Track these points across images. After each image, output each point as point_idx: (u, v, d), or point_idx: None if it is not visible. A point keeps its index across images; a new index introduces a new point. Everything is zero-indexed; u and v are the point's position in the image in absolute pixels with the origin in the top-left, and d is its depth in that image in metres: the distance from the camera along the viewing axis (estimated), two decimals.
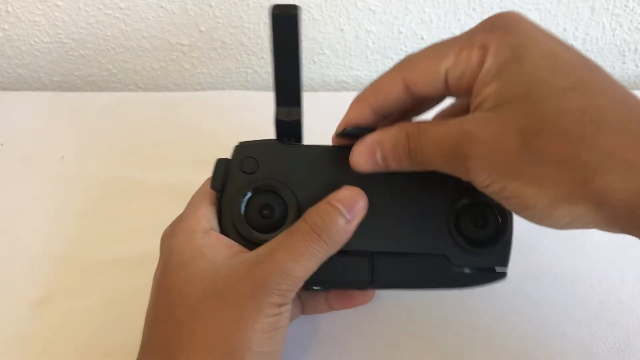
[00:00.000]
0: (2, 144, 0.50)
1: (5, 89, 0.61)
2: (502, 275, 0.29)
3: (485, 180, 0.24)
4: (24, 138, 0.51)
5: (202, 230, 0.29)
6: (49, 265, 0.41)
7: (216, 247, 0.28)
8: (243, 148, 0.30)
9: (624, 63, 0.58)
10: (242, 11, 0.54)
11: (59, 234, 0.43)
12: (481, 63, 0.25)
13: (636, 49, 0.56)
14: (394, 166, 0.28)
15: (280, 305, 0.27)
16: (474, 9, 0.53)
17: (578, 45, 0.56)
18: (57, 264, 0.41)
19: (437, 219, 0.29)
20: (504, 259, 0.29)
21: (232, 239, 0.29)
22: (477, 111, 0.25)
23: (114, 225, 0.43)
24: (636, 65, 0.58)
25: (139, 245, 0.40)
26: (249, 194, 0.30)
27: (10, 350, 0.36)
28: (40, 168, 0.48)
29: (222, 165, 0.30)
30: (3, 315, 0.38)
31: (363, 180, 0.29)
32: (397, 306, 0.37)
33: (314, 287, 0.31)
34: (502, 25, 0.26)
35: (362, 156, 0.28)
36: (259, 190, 0.30)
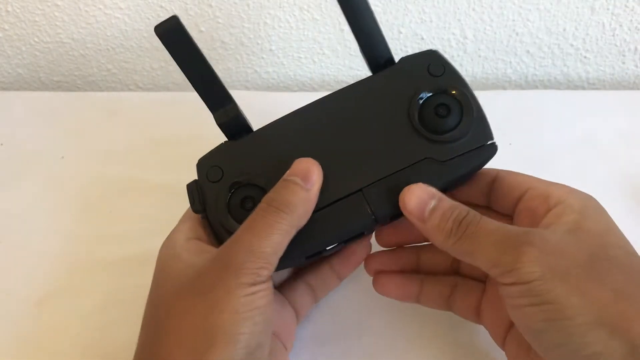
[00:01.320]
0: (2, 144, 0.50)
1: (5, 89, 0.61)
2: (493, 147, 0.31)
3: (535, 273, 0.24)
4: (24, 138, 0.51)
5: (184, 239, 0.30)
6: (49, 265, 0.41)
7: (193, 250, 0.29)
8: (202, 162, 0.32)
9: (623, 63, 0.58)
10: (242, 11, 0.54)
11: (59, 234, 0.43)
12: (560, 198, 0.28)
13: (636, 49, 0.56)
14: (431, 229, 0.28)
15: (252, 285, 0.26)
16: (474, 9, 0.53)
17: (578, 45, 0.56)
18: (57, 264, 0.41)
19: (403, 131, 0.30)
20: (486, 132, 0.30)
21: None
22: (552, 228, 0.27)
23: (114, 225, 0.43)
24: (636, 66, 0.58)
25: (139, 245, 0.40)
26: (227, 197, 0.30)
27: (10, 350, 0.36)
28: (40, 168, 0.48)
29: (193, 188, 0.31)
30: (3, 315, 0.38)
31: (318, 136, 0.31)
32: (396, 307, 0.37)
33: (327, 249, 0.31)
34: (593, 203, 0.29)
35: (415, 197, 0.28)
36: (234, 188, 0.30)
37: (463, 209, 0.28)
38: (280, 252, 0.28)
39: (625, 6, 0.53)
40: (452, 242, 0.27)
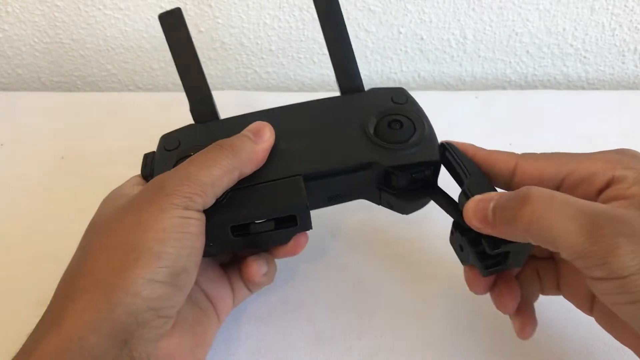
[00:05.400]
0: (2, 144, 0.50)
1: (5, 89, 0.61)
2: (436, 162, 0.31)
3: (633, 267, 0.22)
4: (24, 138, 0.51)
5: (130, 185, 0.31)
6: (49, 265, 0.41)
7: (136, 188, 0.30)
8: (165, 136, 0.34)
9: (623, 63, 0.58)
10: (242, 11, 0.54)
11: (59, 234, 0.43)
12: (605, 173, 0.26)
13: (635, 49, 0.56)
14: (500, 227, 0.26)
15: (185, 209, 0.26)
16: (473, 9, 0.53)
17: (578, 45, 0.56)
18: (57, 264, 0.41)
19: (357, 138, 0.32)
20: (432, 151, 0.31)
21: None
22: (620, 204, 0.25)
23: None
24: (635, 66, 0.58)
25: None
26: (174, 163, 0.32)
27: (10, 350, 0.36)
28: (40, 168, 0.48)
29: (149, 156, 0.33)
30: (3, 315, 0.38)
31: (278, 130, 0.32)
32: (397, 307, 0.37)
33: (256, 223, 0.31)
34: (628, 153, 0.28)
35: (472, 210, 0.27)
36: (183, 155, 0.32)
37: (520, 190, 0.25)
38: (218, 187, 0.28)
39: (625, 6, 0.53)
40: (522, 228, 0.24)
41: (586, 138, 0.48)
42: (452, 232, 0.30)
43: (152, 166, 0.32)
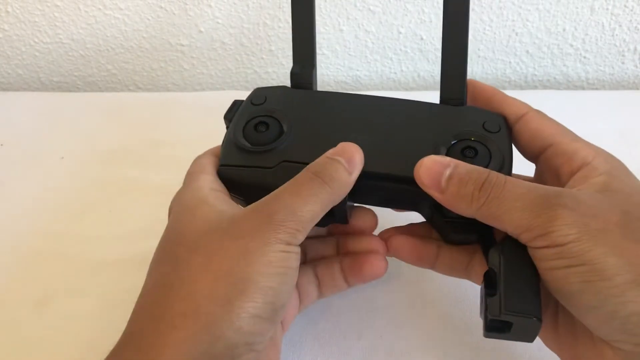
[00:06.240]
0: (2, 144, 0.50)
1: (5, 89, 0.61)
2: None
3: (570, 235, 0.24)
4: (24, 138, 0.51)
5: (208, 188, 0.29)
6: (49, 265, 0.41)
7: (221, 199, 0.29)
8: (257, 90, 0.34)
9: (623, 63, 0.58)
10: (242, 12, 0.54)
11: (59, 234, 0.43)
12: (585, 159, 0.28)
13: (635, 49, 0.56)
14: (451, 198, 0.27)
15: (288, 244, 0.26)
16: (473, 9, 0.53)
17: (578, 45, 0.56)
18: (57, 264, 0.41)
19: (429, 150, 0.30)
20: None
21: (230, 157, 0.31)
22: (579, 187, 0.27)
23: (114, 225, 0.43)
24: (635, 66, 0.58)
25: (139, 245, 0.40)
26: (252, 116, 0.32)
27: (10, 350, 0.36)
28: (40, 168, 0.48)
29: (236, 103, 0.34)
30: (3, 315, 0.38)
31: (360, 120, 0.32)
32: (397, 307, 0.37)
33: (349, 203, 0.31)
34: (616, 160, 0.29)
35: (427, 169, 0.28)
36: (263, 114, 0.32)
37: (482, 171, 0.27)
38: (314, 222, 0.27)
39: (625, 6, 0.53)
40: (476, 207, 0.26)
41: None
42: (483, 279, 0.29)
43: (234, 113, 0.33)
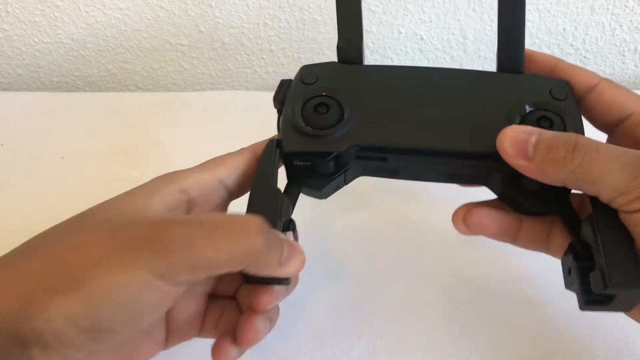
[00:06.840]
0: (2, 144, 0.50)
1: (5, 89, 0.61)
2: None
3: None
4: (24, 138, 0.51)
5: (164, 203, 0.28)
6: None
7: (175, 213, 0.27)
8: (305, 67, 0.33)
9: (623, 63, 0.58)
10: (242, 11, 0.54)
11: None
12: None
13: (636, 49, 0.56)
14: (541, 164, 0.26)
15: (159, 278, 0.22)
16: (473, 9, 0.53)
17: (578, 45, 0.56)
18: None
19: (500, 121, 0.29)
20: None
21: (290, 138, 0.29)
22: None
23: None
24: (636, 66, 0.58)
25: None
26: (308, 98, 0.31)
27: None
28: (40, 168, 0.48)
29: (285, 84, 0.32)
30: None
31: (416, 94, 0.30)
32: (397, 307, 0.37)
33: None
34: None
35: (512, 139, 0.26)
36: (318, 94, 0.31)
37: (571, 135, 0.26)
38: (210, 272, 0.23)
39: (625, 6, 0.53)
40: (569, 170, 0.25)
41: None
42: (565, 253, 0.28)
43: (284, 93, 0.31)
